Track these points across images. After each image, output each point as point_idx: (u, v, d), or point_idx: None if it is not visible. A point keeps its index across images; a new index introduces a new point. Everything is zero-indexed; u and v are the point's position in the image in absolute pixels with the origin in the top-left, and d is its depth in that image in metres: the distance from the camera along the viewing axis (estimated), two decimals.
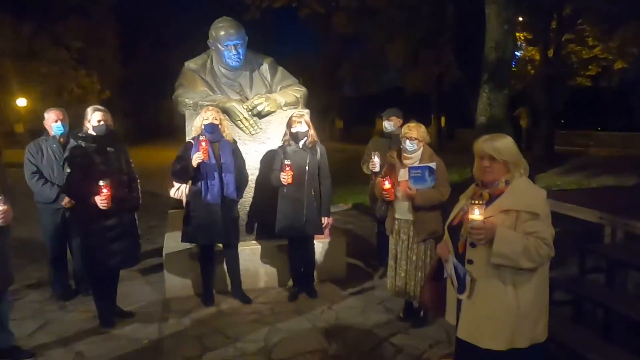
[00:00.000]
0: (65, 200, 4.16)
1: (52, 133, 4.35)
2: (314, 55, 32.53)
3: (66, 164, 3.84)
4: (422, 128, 3.82)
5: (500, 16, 5.93)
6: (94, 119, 3.72)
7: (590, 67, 16.54)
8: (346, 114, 34.91)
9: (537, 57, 16.38)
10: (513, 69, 17.87)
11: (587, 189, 5.08)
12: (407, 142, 3.72)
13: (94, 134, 3.74)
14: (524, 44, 17.52)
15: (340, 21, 13.18)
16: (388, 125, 4.90)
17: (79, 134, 3.81)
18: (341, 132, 33.84)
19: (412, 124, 3.83)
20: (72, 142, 3.93)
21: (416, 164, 3.70)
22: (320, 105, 34.48)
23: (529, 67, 17.38)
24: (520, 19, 15.14)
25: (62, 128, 4.31)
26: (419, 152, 3.78)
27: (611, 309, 3.21)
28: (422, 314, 3.93)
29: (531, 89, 17.04)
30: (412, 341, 3.63)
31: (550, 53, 14.99)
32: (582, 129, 22.32)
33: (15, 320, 3.71)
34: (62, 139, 4.34)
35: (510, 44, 6.21)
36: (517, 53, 18.29)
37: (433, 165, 3.63)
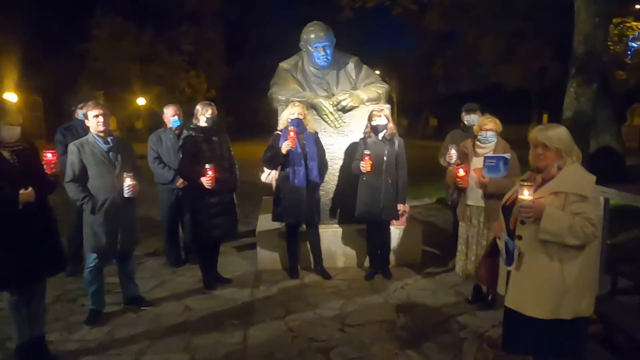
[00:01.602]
0: (180, 181, 4.94)
1: (169, 125, 5.16)
2: (407, 53, 32.37)
3: (179, 151, 4.59)
4: (497, 120, 4.01)
5: (590, 10, 5.75)
6: (208, 112, 4.39)
7: None
8: (441, 111, 34.34)
9: None
10: (628, 61, 16.45)
11: None
12: (488, 133, 3.93)
13: (203, 125, 4.42)
14: None
15: (432, 18, 13.16)
16: (475, 117, 4.93)
17: (191, 126, 4.52)
18: (435, 130, 33.35)
19: (489, 117, 4.04)
20: (185, 133, 4.68)
21: (490, 154, 3.90)
22: (414, 103, 34.33)
23: None
24: (638, 6, 13.94)
25: (178, 121, 5.11)
26: (494, 143, 3.98)
27: None
28: (489, 298, 4.13)
29: None
30: (477, 321, 3.86)
31: None
32: None
33: (139, 279, 4.51)
34: (177, 131, 5.14)
35: (600, 38, 5.97)
36: (633, 44, 16.79)
37: (508, 156, 3.80)
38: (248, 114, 38.15)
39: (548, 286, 2.44)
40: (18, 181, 2.93)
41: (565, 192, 2.43)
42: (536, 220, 2.41)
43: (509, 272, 2.62)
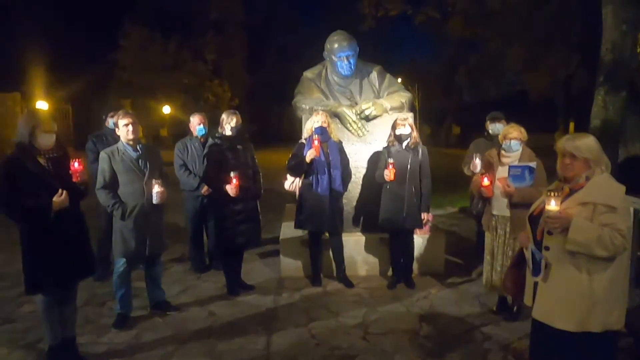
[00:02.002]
0: (204, 189, 5.02)
1: (195, 134, 5.27)
2: (430, 61, 32.23)
3: (205, 159, 4.67)
4: (522, 129, 3.98)
5: (618, 17, 5.67)
6: (233, 121, 4.48)
7: None
8: (464, 119, 33.99)
9: None
10: None
11: None
12: (512, 142, 3.90)
13: (228, 134, 4.51)
14: None
15: (456, 26, 13.11)
16: (500, 126, 4.93)
17: (216, 134, 4.61)
18: (458, 138, 32.99)
19: (513, 126, 4.01)
20: (210, 141, 4.76)
21: (515, 163, 3.86)
22: (436, 111, 34.08)
23: None
24: None
25: (203, 130, 5.22)
26: (519, 152, 3.95)
27: None
28: (515, 309, 4.07)
29: None
30: (502, 332, 3.81)
31: None
32: None
33: (165, 284, 4.59)
34: (202, 139, 5.24)
35: (628, 46, 5.87)
36: None
37: (533, 165, 3.76)
38: (271, 122, 38.38)
39: (576, 298, 2.41)
40: (53, 188, 3.04)
41: (593, 202, 2.40)
42: (564, 231, 2.39)
43: (536, 283, 2.59)
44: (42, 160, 3.06)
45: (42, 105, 21.16)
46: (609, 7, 5.81)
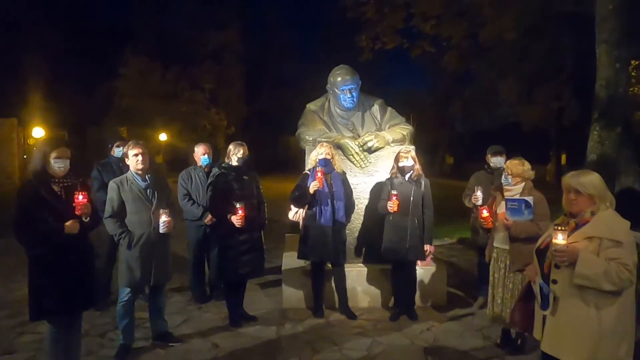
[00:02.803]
0: (208, 218, 5.03)
1: (199, 163, 5.32)
2: (424, 93, 32.80)
3: (210, 188, 4.71)
4: (522, 166, 4.00)
5: (612, 55, 5.91)
6: (239, 152, 4.54)
7: None
8: (457, 150, 34.37)
9: None
10: None
11: None
12: (503, 176, 4.02)
13: (234, 164, 4.56)
14: None
15: (450, 60, 13.44)
16: (501, 160, 4.98)
17: (222, 164, 4.66)
18: (451, 169, 33.29)
19: (513, 161, 4.09)
20: (215, 171, 4.82)
21: (513, 197, 3.94)
22: (430, 142, 34.48)
23: None
24: None
25: (208, 160, 5.27)
26: (520, 186, 4.02)
27: None
28: (519, 342, 4.07)
29: None
30: None
31: None
32: None
33: (165, 315, 4.51)
34: (206, 168, 5.29)
35: (622, 82, 6.10)
36: None
37: (529, 199, 3.80)
38: (267, 151, 38.63)
39: (584, 331, 2.44)
40: (63, 215, 3.06)
41: (599, 237, 2.46)
42: (571, 264, 2.44)
43: (544, 317, 2.62)
44: (56, 188, 3.10)
45: (38, 131, 21.26)
46: (602, 46, 6.04)
